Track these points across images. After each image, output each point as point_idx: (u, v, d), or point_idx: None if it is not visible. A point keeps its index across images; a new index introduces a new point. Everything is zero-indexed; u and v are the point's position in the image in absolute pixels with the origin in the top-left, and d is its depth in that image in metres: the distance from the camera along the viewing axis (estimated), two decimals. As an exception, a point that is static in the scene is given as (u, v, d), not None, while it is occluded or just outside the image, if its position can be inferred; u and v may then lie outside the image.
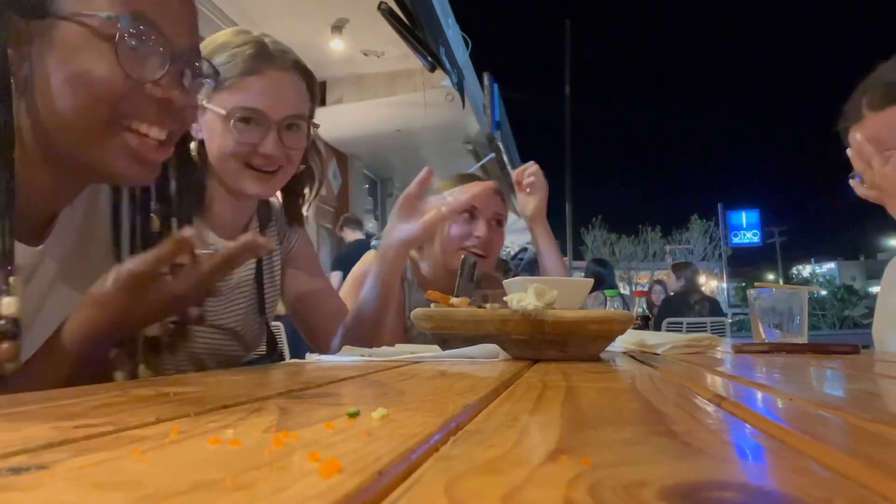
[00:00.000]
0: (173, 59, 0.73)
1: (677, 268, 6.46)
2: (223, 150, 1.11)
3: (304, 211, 1.34)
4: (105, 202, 0.91)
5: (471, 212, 1.70)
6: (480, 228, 1.68)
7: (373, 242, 1.79)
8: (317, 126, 1.19)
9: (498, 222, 1.74)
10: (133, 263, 0.69)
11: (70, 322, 0.70)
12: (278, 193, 1.29)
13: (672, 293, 6.39)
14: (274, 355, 1.30)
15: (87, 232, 0.85)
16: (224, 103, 1.08)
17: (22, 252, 0.73)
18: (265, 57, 1.11)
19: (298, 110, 1.14)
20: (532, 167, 1.83)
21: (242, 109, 1.08)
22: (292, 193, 1.31)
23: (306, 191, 1.31)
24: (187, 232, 0.69)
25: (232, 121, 1.08)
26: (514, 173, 1.88)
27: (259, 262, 1.25)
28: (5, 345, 0.66)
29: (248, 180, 1.12)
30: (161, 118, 0.74)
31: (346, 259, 5.35)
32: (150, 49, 0.71)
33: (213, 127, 1.11)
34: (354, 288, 1.68)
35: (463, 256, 1.47)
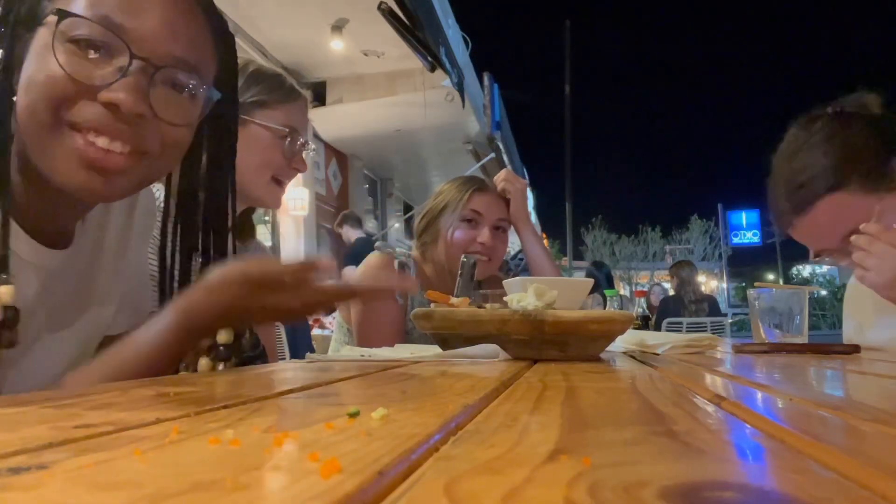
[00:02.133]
0: (143, 69, 0.68)
1: (673, 269, 6.39)
2: (264, 162, 1.22)
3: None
4: (143, 218, 0.91)
5: (475, 217, 1.69)
6: (484, 234, 1.67)
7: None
8: (313, 149, 1.45)
9: (501, 228, 1.73)
10: (254, 266, 0.72)
11: (180, 299, 0.72)
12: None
13: (671, 294, 6.32)
14: (257, 350, 1.32)
15: (97, 248, 0.84)
16: (275, 121, 1.23)
17: (45, 254, 0.73)
18: (295, 88, 1.30)
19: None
20: (501, 174, 1.84)
21: (294, 130, 1.25)
22: (249, 208, 1.40)
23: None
24: (326, 259, 0.72)
25: (287, 139, 1.24)
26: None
27: None
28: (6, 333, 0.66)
29: (270, 194, 1.26)
30: (118, 129, 0.68)
31: (356, 255, 5.36)
32: (105, 53, 0.67)
33: (257, 140, 1.21)
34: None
35: (463, 257, 1.47)
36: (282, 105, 1.25)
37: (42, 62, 0.66)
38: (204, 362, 0.82)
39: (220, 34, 0.79)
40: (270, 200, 1.26)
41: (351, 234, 5.89)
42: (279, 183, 1.26)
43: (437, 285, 1.66)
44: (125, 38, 0.67)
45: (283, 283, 0.72)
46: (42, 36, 0.67)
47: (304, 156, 1.32)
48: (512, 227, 1.82)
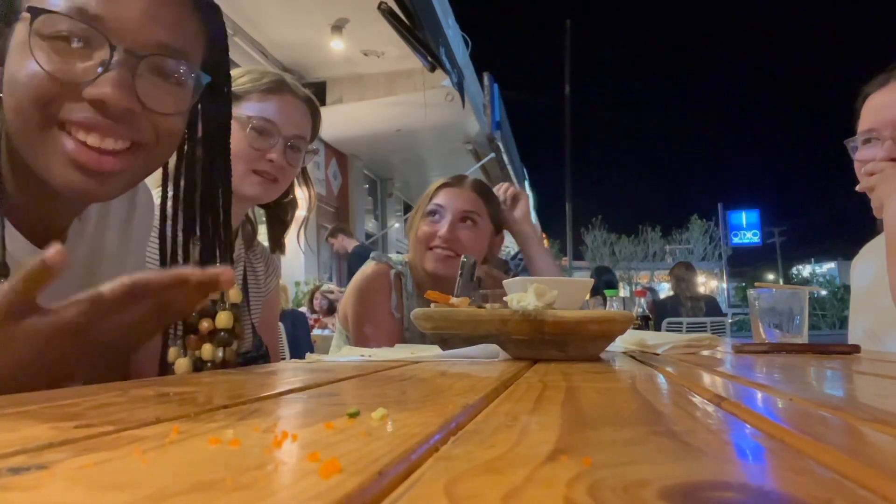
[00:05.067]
0: (125, 60, 0.65)
1: (672, 270, 6.20)
2: (234, 153, 1.18)
3: (286, 240, 1.47)
4: (143, 218, 0.90)
5: (437, 210, 1.67)
6: (441, 227, 1.64)
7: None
8: (316, 152, 1.37)
9: (470, 220, 1.67)
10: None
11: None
12: (258, 214, 1.42)
13: (670, 294, 6.22)
14: (260, 350, 1.33)
15: (97, 247, 0.83)
16: (243, 112, 1.23)
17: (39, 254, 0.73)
18: (284, 84, 1.29)
19: (303, 133, 1.30)
20: (503, 186, 1.84)
21: (260, 119, 1.24)
22: (277, 221, 1.42)
23: (289, 219, 1.44)
24: (53, 251, 0.56)
25: (249, 127, 1.22)
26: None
27: (243, 267, 1.32)
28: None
29: (250, 184, 1.24)
30: (108, 126, 0.65)
31: (364, 257, 5.41)
32: (84, 47, 0.64)
33: None
34: (355, 299, 1.67)
35: (463, 257, 1.47)
36: (252, 98, 1.25)
37: (22, 61, 0.64)
38: (208, 347, 0.83)
39: (205, 6, 0.75)
40: (253, 192, 1.24)
41: (347, 243, 6.04)
42: (259, 174, 1.24)
43: (422, 285, 1.66)
44: (103, 30, 0.64)
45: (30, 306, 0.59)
46: (19, 33, 0.65)
47: (299, 156, 1.30)
48: (517, 230, 1.82)
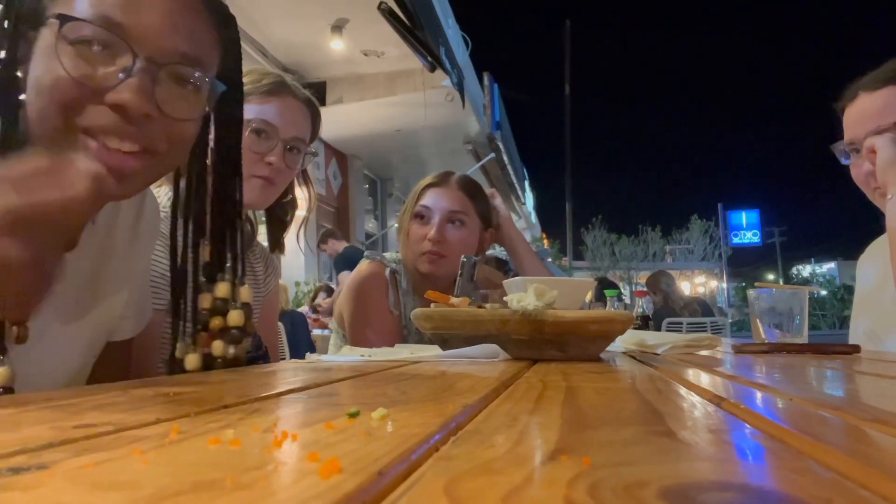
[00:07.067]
0: (147, 68, 0.68)
1: (650, 284, 5.96)
2: None
3: (286, 239, 1.46)
4: (150, 222, 0.91)
5: (425, 212, 1.66)
6: (431, 230, 1.63)
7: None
8: (315, 154, 1.36)
9: (458, 221, 1.66)
10: None
11: None
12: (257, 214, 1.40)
13: (658, 307, 6.06)
14: (260, 350, 1.33)
15: (105, 248, 0.84)
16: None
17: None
18: (284, 85, 1.27)
19: (302, 135, 1.29)
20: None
21: (259, 121, 1.22)
22: (277, 221, 1.41)
23: (288, 219, 1.43)
24: None
25: (248, 130, 1.20)
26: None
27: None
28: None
29: (248, 188, 1.22)
30: (127, 129, 0.68)
31: (349, 259, 5.46)
32: (108, 54, 0.67)
33: None
34: (351, 299, 1.67)
35: (463, 257, 1.47)
36: (251, 100, 1.23)
37: (47, 65, 0.67)
38: (217, 344, 0.83)
39: (221, 17, 0.78)
40: (251, 197, 1.22)
41: (338, 246, 6.13)
42: (257, 177, 1.22)
43: (418, 286, 1.66)
44: (127, 38, 0.67)
45: None
46: (46, 37, 0.67)
47: (298, 158, 1.29)
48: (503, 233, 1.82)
